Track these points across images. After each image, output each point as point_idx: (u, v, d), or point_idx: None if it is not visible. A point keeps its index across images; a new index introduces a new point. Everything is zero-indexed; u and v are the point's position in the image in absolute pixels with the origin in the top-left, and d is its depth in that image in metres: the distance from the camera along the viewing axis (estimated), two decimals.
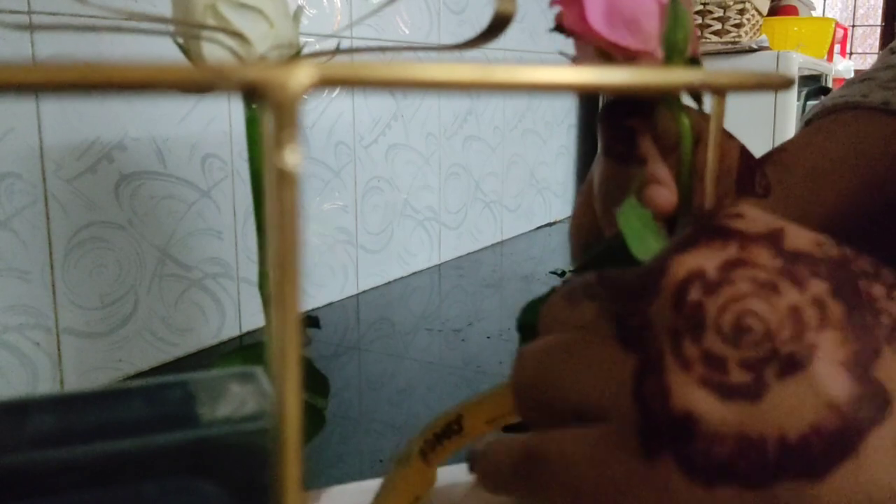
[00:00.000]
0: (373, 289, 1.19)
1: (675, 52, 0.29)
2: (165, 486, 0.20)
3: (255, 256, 0.96)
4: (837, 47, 2.53)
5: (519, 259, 1.40)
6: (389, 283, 1.23)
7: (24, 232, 0.70)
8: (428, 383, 0.81)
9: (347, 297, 1.14)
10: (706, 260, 0.22)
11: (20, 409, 0.21)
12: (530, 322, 0.32)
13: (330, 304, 1.11)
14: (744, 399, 0.21)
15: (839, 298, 0.22)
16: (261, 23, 0.31)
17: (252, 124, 0.37)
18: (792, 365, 0.21)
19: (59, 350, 0.74)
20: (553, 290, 0.28)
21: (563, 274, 1.32)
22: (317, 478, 0.61)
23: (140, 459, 0.20)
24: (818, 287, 0.22)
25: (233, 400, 0.22)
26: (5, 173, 0.69)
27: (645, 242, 0.27)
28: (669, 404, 0.21)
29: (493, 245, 1.50)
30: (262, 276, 0.40)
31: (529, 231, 1.65)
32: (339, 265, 1.13)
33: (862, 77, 0.54)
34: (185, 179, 0.86)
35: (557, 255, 1.45)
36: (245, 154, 0.94)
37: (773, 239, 0.22)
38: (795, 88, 1.62)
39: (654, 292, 0.22)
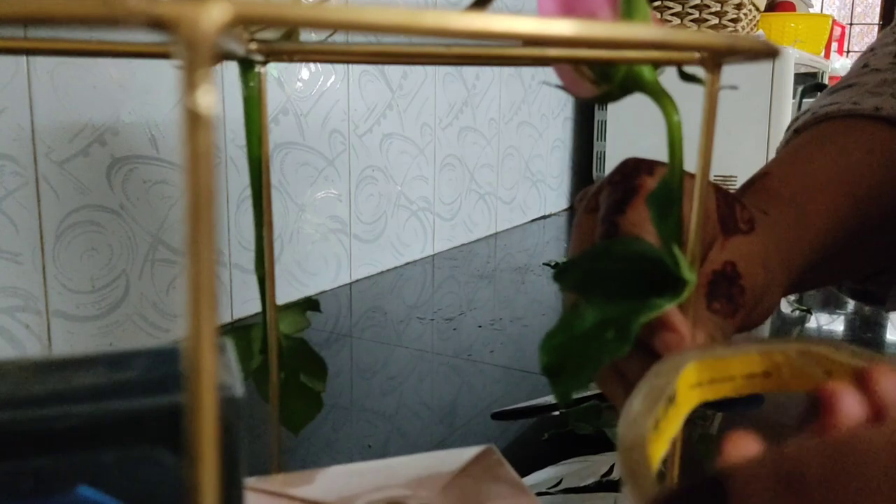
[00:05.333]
0: (366, 278, 1.19)
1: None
2: (125, 453, 0.20)
3: (247, 243, 0.96)
4: (835, 45, 2.53)
5: (512, 251, 1.40)
6: (382, 272, 1.23)
7: (15, 214, 0.70)
8: (419, 371, 0.81)
9: (340, 286, 1.14)
10: None
11: None
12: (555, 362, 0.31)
13: (323, 293, 1.11)
14: None
15: None
16: None
17: (250, 102, 0.37)
18: None
19: (48, 333, 0.74)
20: None
21: (556, 266, 1.32)
22: (308, 463, 0.61)
23: (99, 426, 0.20)
24: None
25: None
26: None
27: (686, 266, 0.27)
28: None
29: (486, 237, 1.50)
30: (258, 258, 0.40)
31: (524, 223, 1.65)
32: (332, 254, 1.13)
33: (845, 83, 0.53)
34: (178, 164, 0.86)
35: (551, 248, 1.45)
36: (239, 141, 0.93)
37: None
38: (791, 86, 1.62)
39: None
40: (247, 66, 0.36)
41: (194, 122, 0.14)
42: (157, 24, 0.13)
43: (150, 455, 0.20)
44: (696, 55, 0.25)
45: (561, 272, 0.31)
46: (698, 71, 0.29)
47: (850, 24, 4.33)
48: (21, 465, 0.19)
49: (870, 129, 0.48)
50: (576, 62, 0.30)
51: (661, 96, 0.30)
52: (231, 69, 0.78)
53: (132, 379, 0.21)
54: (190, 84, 0.13)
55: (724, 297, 0.34)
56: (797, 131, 0.52)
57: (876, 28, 4.32)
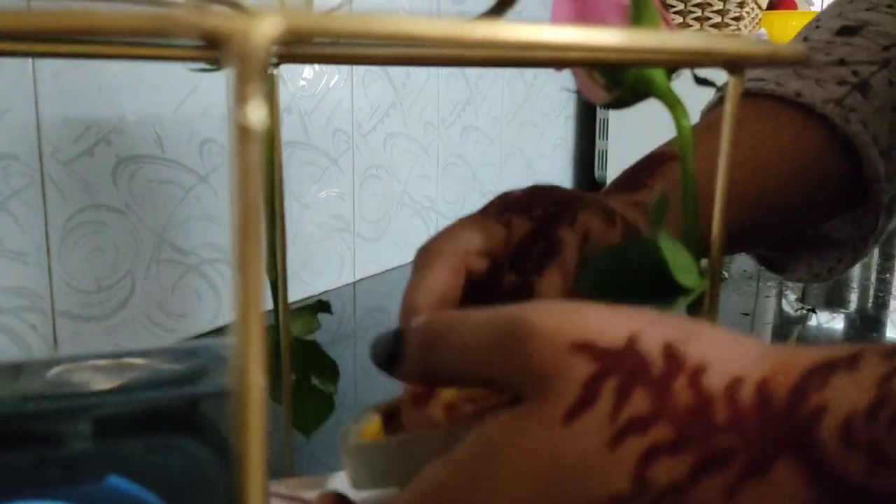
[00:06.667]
0: (369, 277, 1.19)
1: None
2: (151, 443, 0.20)
3: None
4: None
5: None
6: (386, 271, 1.23)
7: (20, 214, 0.70)
8: None
9: (344, 286, 1.14)
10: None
11: (14, 369, 0.21)
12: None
13: (326, 292, 1.11)
14: None
15: None
16: None
17: None
18: None
19: (54, 333, 0.74)
20: None
21: None
22: (312, 464, 0.61)
23: (127, 417, 0.20)
24: None
25: (220, 366, 0.22)
26: (2, 154, 0.68)
27: (689, 272, 0.28)
28: None
29: None
30: (270, 261, 0.40)
31: None
32: (335, 253, 1.13)
33: None
34: (183, 164, 0.85)
35: None
36: None
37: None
38: None
39: None
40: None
41: (244, 136, 0.13)
42: (209, 37, 0.13)
43: (176, 444, 0.21)
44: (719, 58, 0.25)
45: (577, 273, 0.31)
46: (709, 73, 0.29)
47: None
48: (52, 454, 0.20)
49: (786, 116, 0.48)
50: (592, 65, 0.29)
51: (672, 101, 0.30)
52: None
53: (158, 373, 0.22)
54: (240, 98, 0.13)
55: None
56: (720, 101, 0.52)
57: None
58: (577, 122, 1.87)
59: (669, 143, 0.46)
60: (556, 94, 1.73)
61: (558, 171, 1.81)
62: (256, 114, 0.13)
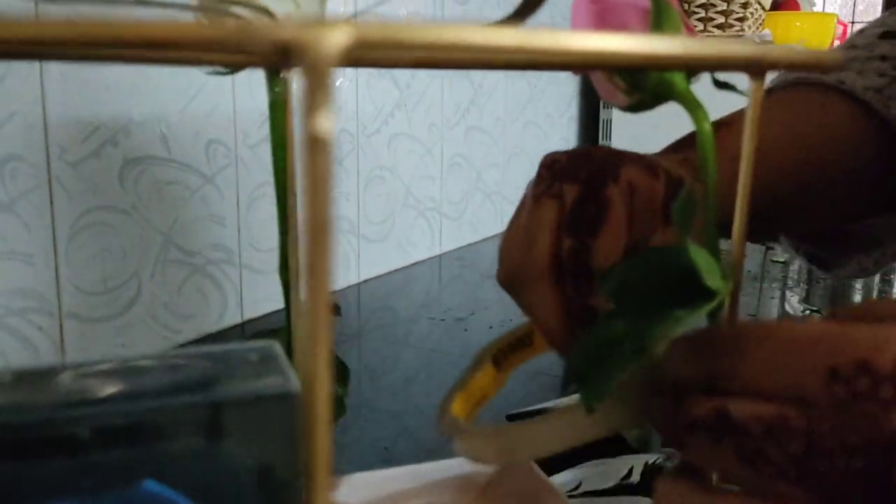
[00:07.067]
0: (374, 278, 1.19)
1: None
2: (184, 446, 0.21)
3: (258, 244, 0.96)
4: (837, 43, 2.53)
5: None
6: (391, 272, 1.23)
7: (27, 215, 0.70)
8: (429, 371, 0.81)
9: (349, 287, 1.14)
10: None
11: (47, 375, 0.21)
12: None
13: (331, 294, 1.11)
14: None
15: None
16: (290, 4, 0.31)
17: (275, 109, 0.37)
18: None
19: (61, 334, 0.74)
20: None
21: None
22: None
23: (160, 421, 0.20)
24: None
25: (250, 370, 0.22)
26: (9, 155, 0.68)
27: (714, 275, 0.28)
28: None
29: (493, 236, 1.50)
30: (283, 262, 0.40)
31: None
32: (340, 254, 1.13)
33: None
34: (190, 165, 0.86)
35: None
36: (249, 141, 0.93)
37: None
38: None
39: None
40: (273, 72, 0.36)
41: (315, 145, 0.14)
42: (281, 49, 0.13)
43: (209, 449, 0.21)
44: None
45: (602, 279, 0.31)
46: (729, 77, 0.29)
47: (853, 22, 4.33)
48: (87, 460, 0.20)
49: (829, 101, 0.51)
50: (611, 67, 0.29)
51: (693, 105, 0.30)
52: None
53: (190, 378, 0.22)
54: (311, 107, 0.13)
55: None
56: (769, 91, 0.55)
57: None
58: (580, 123, 1.87)
59: (730, 116, 0.48)
60: (559, 95, 1.73)
61: None
62: (326, 123, 0.13)
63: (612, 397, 0.29)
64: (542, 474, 0.46)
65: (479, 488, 0.42)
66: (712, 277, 0.27)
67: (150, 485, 0.20)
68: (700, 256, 0.27)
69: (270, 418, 0.21)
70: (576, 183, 0.40)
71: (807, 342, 0.25)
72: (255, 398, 0.21)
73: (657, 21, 0.28)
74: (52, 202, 0.72)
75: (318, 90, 0.14)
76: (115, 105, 0.77)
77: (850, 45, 0.56)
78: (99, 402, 0.20)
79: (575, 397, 0.36)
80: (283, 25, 0.13)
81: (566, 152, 0.44)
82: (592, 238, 0.38)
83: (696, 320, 0.28)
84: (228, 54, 0.22)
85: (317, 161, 0.14)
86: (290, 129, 0.42)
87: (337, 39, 0.14)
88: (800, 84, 0.52)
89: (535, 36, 0.15)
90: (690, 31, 0.30)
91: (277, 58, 0.13)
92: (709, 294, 0.28)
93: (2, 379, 0.21)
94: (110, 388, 0.21)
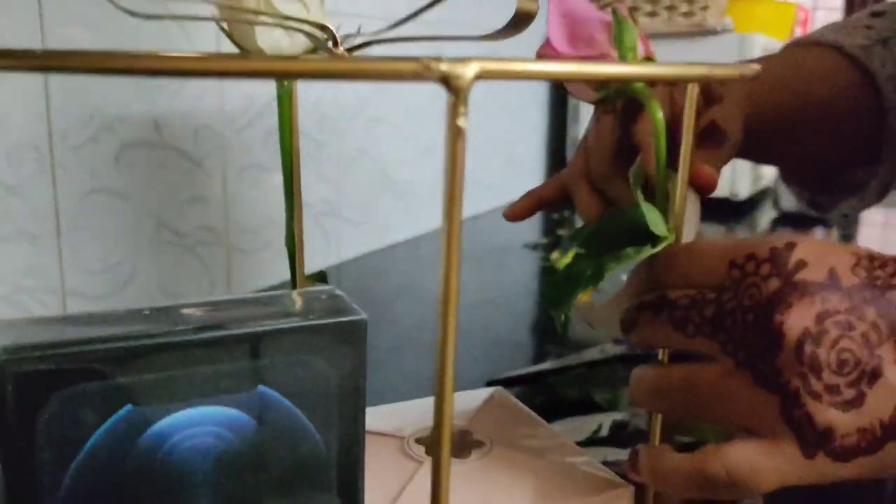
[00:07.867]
0: (354, 259, 1.24)
1: (627, 52, 0.37)
2: (288, 360, 0.26)
3: (243, 225, 1.00)
4: (798, 30, 2.60)
5: (492, 232, 1.45)
6: (370, 253, 1.28)
7: (33, 197, 0.74)
8: (408, 349, 0.86)
9: (328, 268, 1.19)
10: (804, 318, 0.32)
11: (175, 309, 0.27)
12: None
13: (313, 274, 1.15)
14: (854, 407, 0.32)
15: (882, 316, 0.32)
16: (301, 8, 0.36)
17: (283, 100, 0.41)
18: (874, 376, 0.32)
19: (64, 311, 0.78)
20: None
21: (535, 247, 1.37)
22: None
23: (269, 340, 0.26)
24: (870, 313, 0.32)
25: (326, 304, 0.29)
26: (16, 142, 0.72)
27: (659, 224, 0.37)
28: (814, 423, 0.32)
29: (468, 219, 1.55)
30: (289, 234, 0.45)
31: (501, 206, 1.70)
32: (321, 235, 1.17)
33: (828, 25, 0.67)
34: (180, 149, 0.89)
35: (528, 230, 1.50)
36: (235, 125, 0.97)
37: (834, 282, 0.33)
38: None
39: (778, 349, 0.33)
40: None
41: (456, 135, 0.22)
42: (441, 78, 0.21)
43: (309, 362, 0.26)
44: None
45: (575, 233, 0.40)
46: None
47: (815, 9, 4.42)
48: (217, 369, 0.25)
49: (823, 54, 0.62)
50: (584, 78, 0.35)
51: (648, 99, 0.36)
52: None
53: (282, 310, 0.28)
54: (454, 114, 0.22)
55: (711, 140, 0.51)
56: (784, 48, 0.67)
57: (839, 13, 4.42)
58: (549, 109, 1.93)
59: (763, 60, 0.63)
60: (528, 82, 1.78)
61: (532, 156, 1.86)
62: (462, 122, 0.22)
63: (612, 311, 0.40)
64: (525, 407, 0.53)
65: (469, 416, 0.49)
66: (658, 226, 0.37)
67: (263, 389, 0.25)
68: (650, 211, 0.36)
69: (348, 340, 0.27)
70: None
71: (717, 249, 0.36)
72: (336, 324, 0.27)
73: (618, 35, 0.35)
74: (55, 185, 0.76)
75: (459, 103, 0.22)
76: (113, 93, 0.80)
77: (844, 21, 0.66)
78: (220, 327, 0.25)
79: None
80: (442, 63, 0.21)
81: None
82: (633, 124, 0.48)
83: (643, 257, 0.38)
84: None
85: (457, 147, 0.22)
86: (294, 117, 0.47)
87: (472, 71, 0.22)
88: (802, 43, 0.64)
89: (586, 66, 0.25)
90: (644, 43, 0.36)
91: (438, 82, 0.21)
92: (656, 240, 0.37)
93: (143, 312, 0.26)
94: (225, 317, 0.26)
